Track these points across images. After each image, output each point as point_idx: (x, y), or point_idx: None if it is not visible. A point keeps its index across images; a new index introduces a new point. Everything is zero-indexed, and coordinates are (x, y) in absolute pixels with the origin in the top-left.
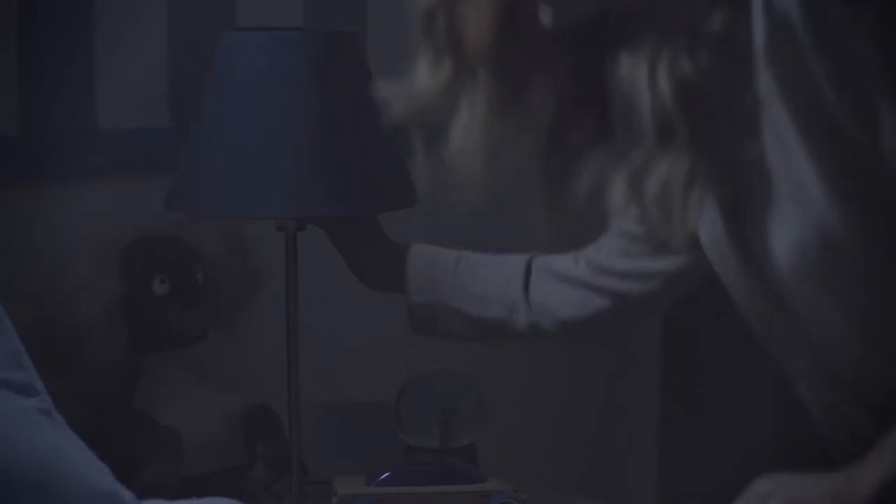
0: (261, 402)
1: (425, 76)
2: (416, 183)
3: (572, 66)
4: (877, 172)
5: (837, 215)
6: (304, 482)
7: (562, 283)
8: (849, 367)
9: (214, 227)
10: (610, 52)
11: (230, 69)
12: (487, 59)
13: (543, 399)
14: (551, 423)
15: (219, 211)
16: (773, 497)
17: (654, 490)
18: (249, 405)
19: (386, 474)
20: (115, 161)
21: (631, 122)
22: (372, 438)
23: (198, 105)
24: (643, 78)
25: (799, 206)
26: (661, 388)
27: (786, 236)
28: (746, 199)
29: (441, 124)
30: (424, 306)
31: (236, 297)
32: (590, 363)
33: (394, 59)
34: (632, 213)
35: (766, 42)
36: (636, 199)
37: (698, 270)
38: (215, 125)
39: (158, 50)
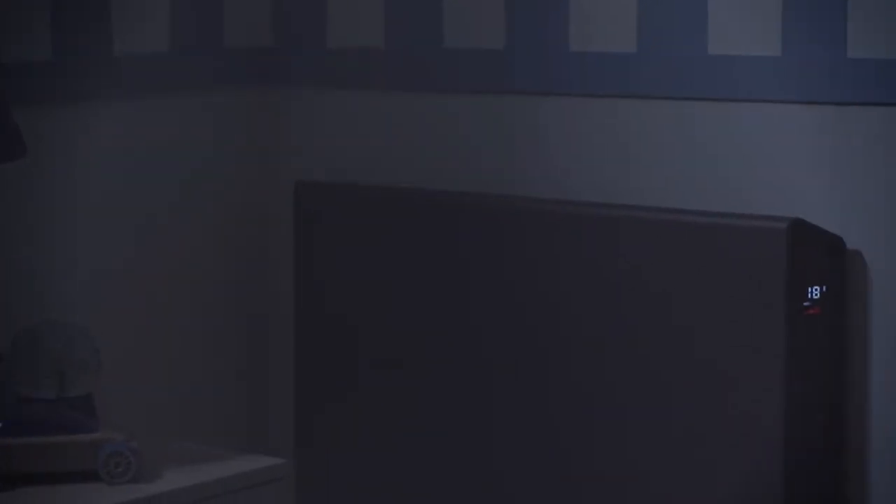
0: None
1: None
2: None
3: None
4: None
5: None
6: None
7: None
8: None
9: None
10: None
11: None
12: None
13: (167, 348)
14: (175, 372)
15: None
16: None
17: (291, 436)
18: None
19: None
20: None
21: None
22: None
23: None
24: None
25: None
26: (298, 338)
27: None
28: None
29: None
30: None
31: None
32: (217, 313)
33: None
34: None
35: None
36: None
37: None
38: None
39: None
